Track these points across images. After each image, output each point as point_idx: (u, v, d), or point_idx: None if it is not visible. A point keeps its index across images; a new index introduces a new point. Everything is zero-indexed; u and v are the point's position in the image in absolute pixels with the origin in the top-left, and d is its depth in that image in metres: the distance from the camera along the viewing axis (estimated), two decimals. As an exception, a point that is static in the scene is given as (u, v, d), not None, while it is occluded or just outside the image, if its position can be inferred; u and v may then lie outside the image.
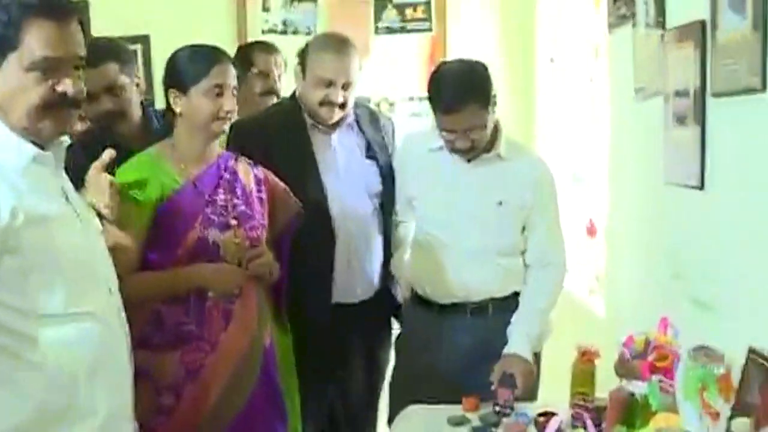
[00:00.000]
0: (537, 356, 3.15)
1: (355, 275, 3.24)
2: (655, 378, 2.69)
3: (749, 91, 2.32)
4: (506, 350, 3.03)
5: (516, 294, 3.11)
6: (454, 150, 2.99)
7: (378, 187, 3.28)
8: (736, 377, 2.27)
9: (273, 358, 2.85)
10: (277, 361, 2.89)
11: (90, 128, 3.17)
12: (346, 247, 3.19)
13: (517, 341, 3.03)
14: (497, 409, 2.83)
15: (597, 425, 2.65)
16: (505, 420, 2.81)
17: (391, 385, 3.32)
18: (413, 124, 4.84)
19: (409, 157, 3.23)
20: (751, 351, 2.23)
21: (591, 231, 4.20)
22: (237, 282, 2.68)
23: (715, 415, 2.32)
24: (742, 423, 1.79)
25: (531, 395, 2.98)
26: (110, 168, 2.58)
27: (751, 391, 2.18)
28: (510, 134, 3.30)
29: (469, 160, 3.03)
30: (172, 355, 2.67)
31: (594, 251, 4.20)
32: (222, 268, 2.67)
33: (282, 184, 2.96)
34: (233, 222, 2.72)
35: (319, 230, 3.14)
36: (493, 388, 2.87)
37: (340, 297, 3.21)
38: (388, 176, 3.28)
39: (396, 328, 3.47)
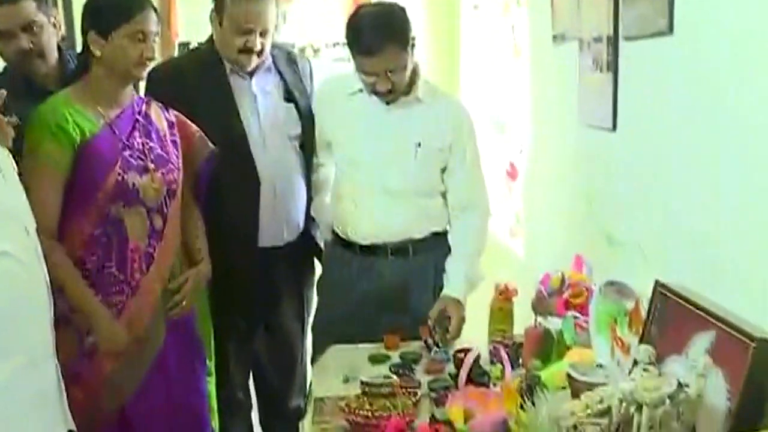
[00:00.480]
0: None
1: (281, 218, 3.27)
2: (569, 314, 2.79)
3: (657, 34, 2.39)
4: (444, 293, 3.10)
5: (435, 235, 3.16)
6: (374, 92, 3.01)
7: (297, 129, 3.29)
8: (645, 311, 2.37)
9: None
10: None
11: (5, 67, 3.12)
12: (270, 190, 3.21)
13: (455, 285, 3.11)
14: (428, 343, 2.91)
15: (514, 360, 2.74)
16: (424, 357, 2.88)
17: (314, 326, 3.37)
18: (338, 70, 4.84)
19: (328, 101, 3.25)
20: (659, 284, 2.32)
21: (512, 174, 4.28)
22: (119, 346, 2.69)
23: (626, 349, 2.43)
24: (645, 350, 1.87)
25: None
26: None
27: (658, 323, 2.27)
28: (434, 80, 3.33)
29: (387, 103, 3.06)
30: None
31: (515, 194, 4.28)
32: (114, 328, 2.67)
33: (194, 127, 2.96)
34: (151, 165, 2.72)
35: (243, 175, 3.15)
36: (430, 323, 2.94)
37: (267, 241, 3.24)
38: (307, 119, 3.29)
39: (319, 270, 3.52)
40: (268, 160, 3.19)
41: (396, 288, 3.13)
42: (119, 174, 2.64)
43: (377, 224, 3.11)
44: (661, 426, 1.74)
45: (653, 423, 1.71)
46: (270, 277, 3.31)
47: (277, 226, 3.26)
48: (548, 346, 2.75)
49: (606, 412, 1.76)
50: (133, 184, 2.67)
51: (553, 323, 2.83)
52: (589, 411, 1.77)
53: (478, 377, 2.61)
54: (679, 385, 1.80)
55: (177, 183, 2.80)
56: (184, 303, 2.82)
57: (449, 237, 3.21)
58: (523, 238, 4.11)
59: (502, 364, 2.63)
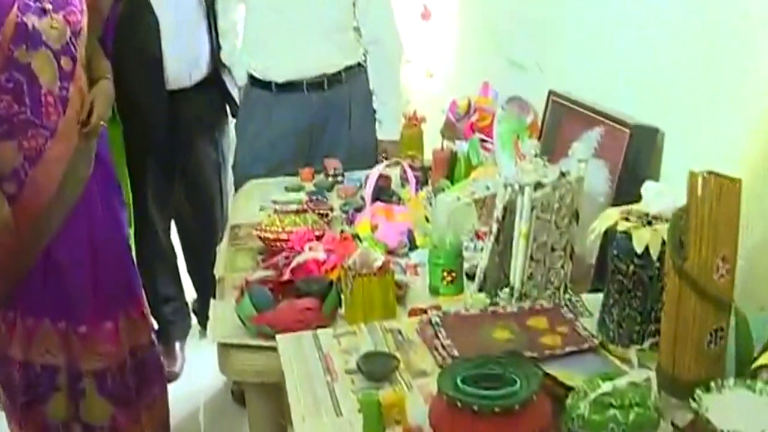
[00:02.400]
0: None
1: (185, 59, 3.29)
2: (476, 136, 2.89)
3: None
4: (380, 138, 3.23)
5: (348, 68, 3.22)
6: None
7: None
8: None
9: (106, 144, 2.91)
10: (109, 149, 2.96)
11: None
12: (172, 32, 3.21)
13: (388, 128, 3.23)
14: (330, 176, 3.00)
15: (423, 182, 2.84)
16: (338, 185, 2.97)
17: (234, 166, 3.43)
18: None
19: None
20: (552, 93, 2.42)
21: (425, 16, 4.30)
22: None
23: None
24: (530, 143, 1.97)
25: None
26: None
27: (552, 129, 2.38)
28: None
29: None
30: (10, 144, 2.70)
31: (429, 35, 4.31)
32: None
33: None
34: (49, 6, 2.70)
35: (144, 19, 3.15)
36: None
37: (174, 83, 3.27)
38: None
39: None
40: (167, 3, 3.20)
41: (313, 122, 3.20)
42: (17, 16, 2.63)
43: (292, 61, 3.15)
44: (543, 209, 1.85)
45: (535, 204, 1.82)
46: (181, 121, 3.35)
47: (182, 68, 3.28)
48: (455, 167, 2.85)
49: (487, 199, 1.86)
50: (33, 26, 2.65)
51: (460, 146, 2.92)
52: (474, 196, 1.87)
53: (387, 198, 2.71)
54: (562, 173, 1.90)
55: (81, 24, 2.79)
56: (92, 118, 2.81)
57: (371, 79, 3.27)
58: (436, 75, 4.18)
59: (409, 183, 2.72)
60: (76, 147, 2.77)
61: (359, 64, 3.26)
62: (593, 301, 1.85)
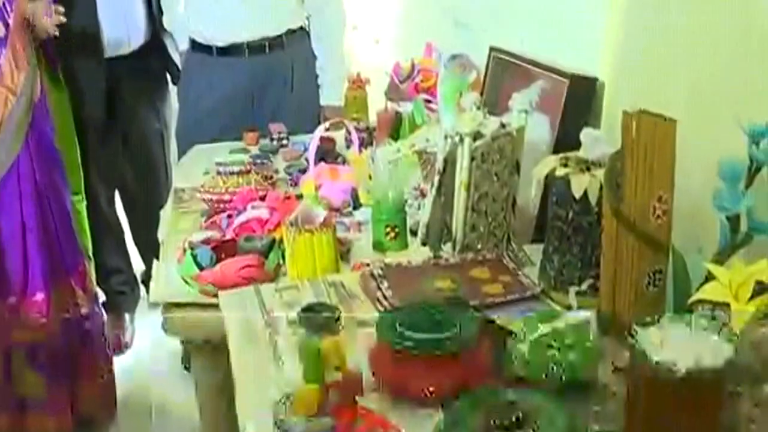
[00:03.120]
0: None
1: (123, 24, 3.24)
2: (420, 97, 2.88)
3: None
4: (323, 104, 3.23)
5: (290, 32, 3.19)
6: None
7: None
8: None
9: (43, 112, 2.85)
10: (51, 116, 2.90)
11: None
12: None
13: (330, 93, 3.22)
14: (274, 140, 2.98)
15: (368, 143, 2.83)
16: (282, 149, 2.95)
17: (177, 132, 3.39)
18: None
19: None
20: (493, 49, 2.42)
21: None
22: None
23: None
24: (470, 97, 1.96)
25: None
26: None
27: (493, 84, 2.39)
28: None
29: None
30: None
31: (375, 1, 4.29)
32: None
33: None
34: None
35: None
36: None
37: (113, 50, 3.22)
38: None
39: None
40: None
41: (254, 86, 3.17)
42: None
43: (233, 24, 3.12)
44: (484, 159, 1.84)
45: (474, 155, 1.82)
46: (122, 88, 3.30)
47: (119, 35, 3.23)
48: (399, 127, 2.84)
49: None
50: None
51: (404, 106, 2.91)
52: (414, 149, 1.86)
53: (332, 160, 2.69)
54: (502, 124, 1.90)
55: None
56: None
57: (313, 45, 3.24)
58: (383, 41, 4.17)
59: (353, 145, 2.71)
60: (12, 115, 2.72)
61: (302, 28, 3.23)
62: (536, 251, 1.86)
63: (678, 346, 1.17)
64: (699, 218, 1.54)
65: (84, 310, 2.93)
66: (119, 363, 3.25)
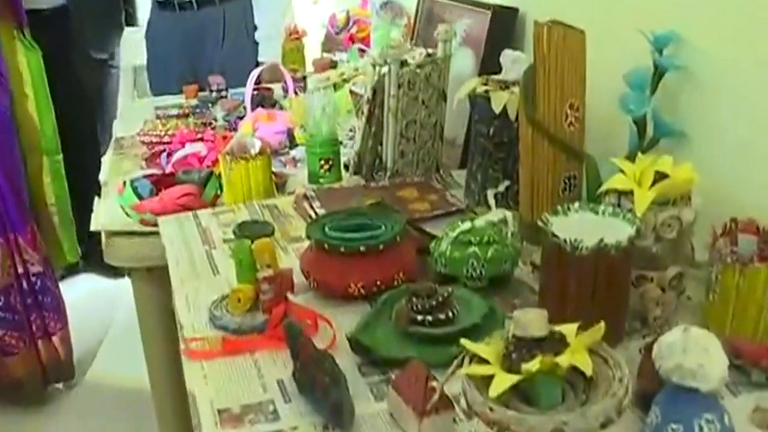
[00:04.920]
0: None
1: None
2: (354, 46, 2.95)
3: None
4: (261, 57, 3.26)
5: None
6: None
7: None
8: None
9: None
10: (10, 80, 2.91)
11: None
12: None
13: (269, 47, 3.27)
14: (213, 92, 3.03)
15: (303, 89, 2.89)
16: (222, 100, 3.00)
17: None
18: None
19: None
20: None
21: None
22: None
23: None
24: (398, 32, 2.04)
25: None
26: None
27: (424, 25, 2.46)
28: None
29: None
30: None
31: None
32: None
33: None
34: None
35: None
36: None
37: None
38: None
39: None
40: None
41: (189, 41, 3.27)
42: None
43: None
44: (411, 86, 1.92)
45: (401, 82, 1.89)
46: None
47: None
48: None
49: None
50: None
51: (340, 56, 2.98)
52: (344, 76, 1.93)
53: (270, 107, 2.75)
54: (428, 54, 1.98)
55: None
56: None
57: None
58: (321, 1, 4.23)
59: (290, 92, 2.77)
60: None
61: None
62: (463, 176, 1.93)
63: (585, 229, 1.26)
64: (611, 125, 1.63)
65: (35, 267, 2.95)
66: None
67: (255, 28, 3.29)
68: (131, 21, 3.63)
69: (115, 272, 3.56)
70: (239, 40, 3.30)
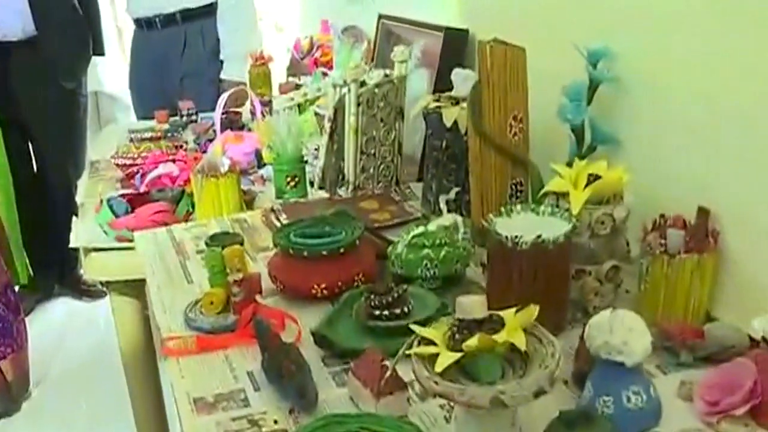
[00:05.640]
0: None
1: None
2: (318, 70, 3.07)
3: None
4: (223, 78, 3.47)
5: (187, 10, 3.41)
6: None
7: None
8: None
9: None
10: None
11: None
12: None
13: (228, 67, 3.47)
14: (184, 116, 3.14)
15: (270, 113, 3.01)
16: (192, 124, 3.11)
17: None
18: None
19: None
20: (381, 16, 2.63)
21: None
22: None
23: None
24: (358, 54, 2.16)
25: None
26: None
27: (382, 49, 2.59)
28: None
29: None
30: None
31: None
32: None
33: None
34: None
35: None
36: None
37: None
38: None
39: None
40: None
41: (155, 60, 3.46)
42: None
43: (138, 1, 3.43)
44: (370, 105, 2.05)
45: (360, 100, 2.02)
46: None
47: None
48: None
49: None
50: None
51: (306, 81, 3.10)
52: (306, 97, 2.06)
53: (238, 129, 2.87)
54: (385, 74, 2.11)
55: None
56: None
57: (218, 24, 3.48)
58: (286, 29, 4.37)
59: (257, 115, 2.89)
60: None
61: (205, 7, 3.43)
62: (420, 187, 2.06)
63: (527, 228, 1.38)
64: (552, 135, 1.76)
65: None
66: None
67: (218, 46, 3.42)
68: (98, 50, 3.73)
69: (90, 295, 3.68)
70: (199, 58, 3.46)
